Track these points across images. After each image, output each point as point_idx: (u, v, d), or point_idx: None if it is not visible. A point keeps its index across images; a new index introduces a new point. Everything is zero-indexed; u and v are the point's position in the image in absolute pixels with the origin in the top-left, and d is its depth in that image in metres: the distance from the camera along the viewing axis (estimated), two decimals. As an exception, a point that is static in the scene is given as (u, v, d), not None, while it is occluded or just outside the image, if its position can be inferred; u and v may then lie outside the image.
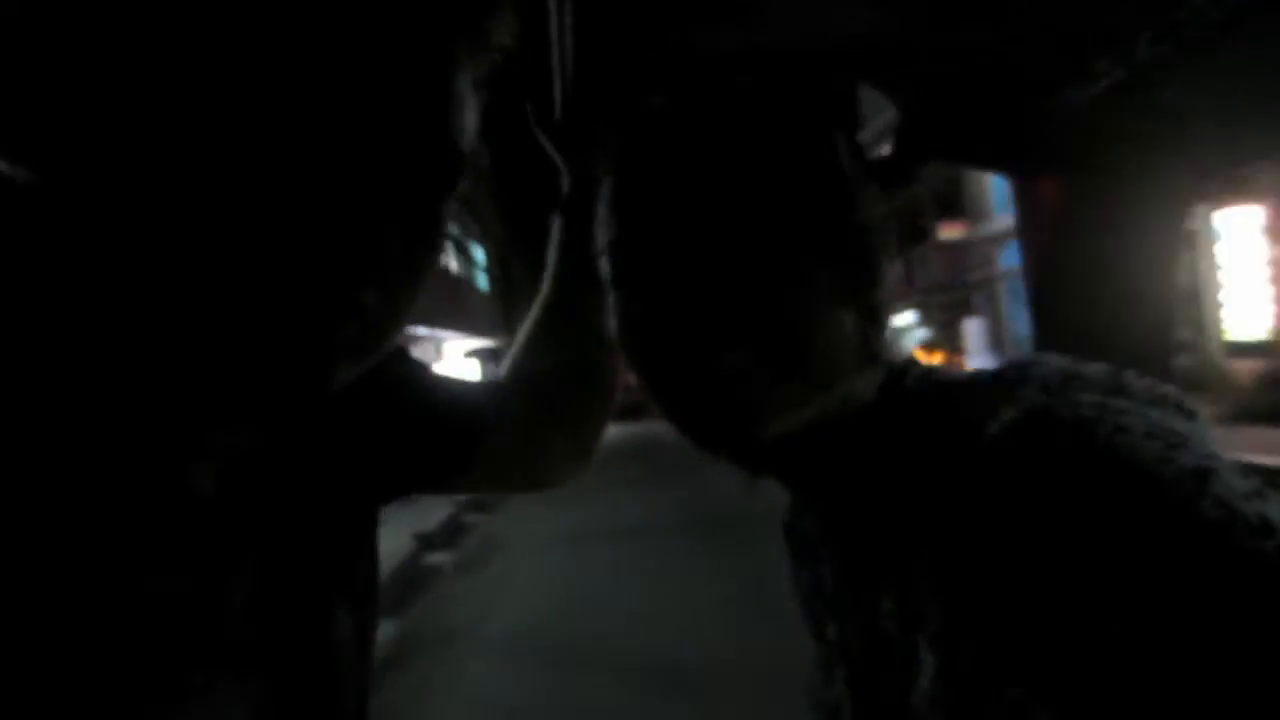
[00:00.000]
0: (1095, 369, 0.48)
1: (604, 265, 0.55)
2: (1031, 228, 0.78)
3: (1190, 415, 0.46)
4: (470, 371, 15.69)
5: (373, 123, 0.40)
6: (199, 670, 0.42)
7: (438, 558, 6.96)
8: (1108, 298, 0.66)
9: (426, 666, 4.39)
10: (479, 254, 20.96)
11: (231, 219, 0.38)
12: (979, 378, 0.52)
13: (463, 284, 17.54)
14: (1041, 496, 0.41)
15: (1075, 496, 0.40)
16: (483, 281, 21.55)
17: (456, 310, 15.29)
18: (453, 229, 15.81)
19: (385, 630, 4.91)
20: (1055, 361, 0.49)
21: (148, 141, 0.37)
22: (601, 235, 0.55)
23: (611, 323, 0.56)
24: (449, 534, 7.82)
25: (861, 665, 0.54)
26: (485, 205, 20.52)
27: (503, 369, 0.79)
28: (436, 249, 0.47)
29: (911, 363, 0.56)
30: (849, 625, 0.56)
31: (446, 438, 0.66)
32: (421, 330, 12.51)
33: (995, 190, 13.75)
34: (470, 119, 0.46)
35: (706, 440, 0.53)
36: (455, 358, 17.35)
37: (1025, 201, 0.80)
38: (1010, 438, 0.44)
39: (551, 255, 0.78)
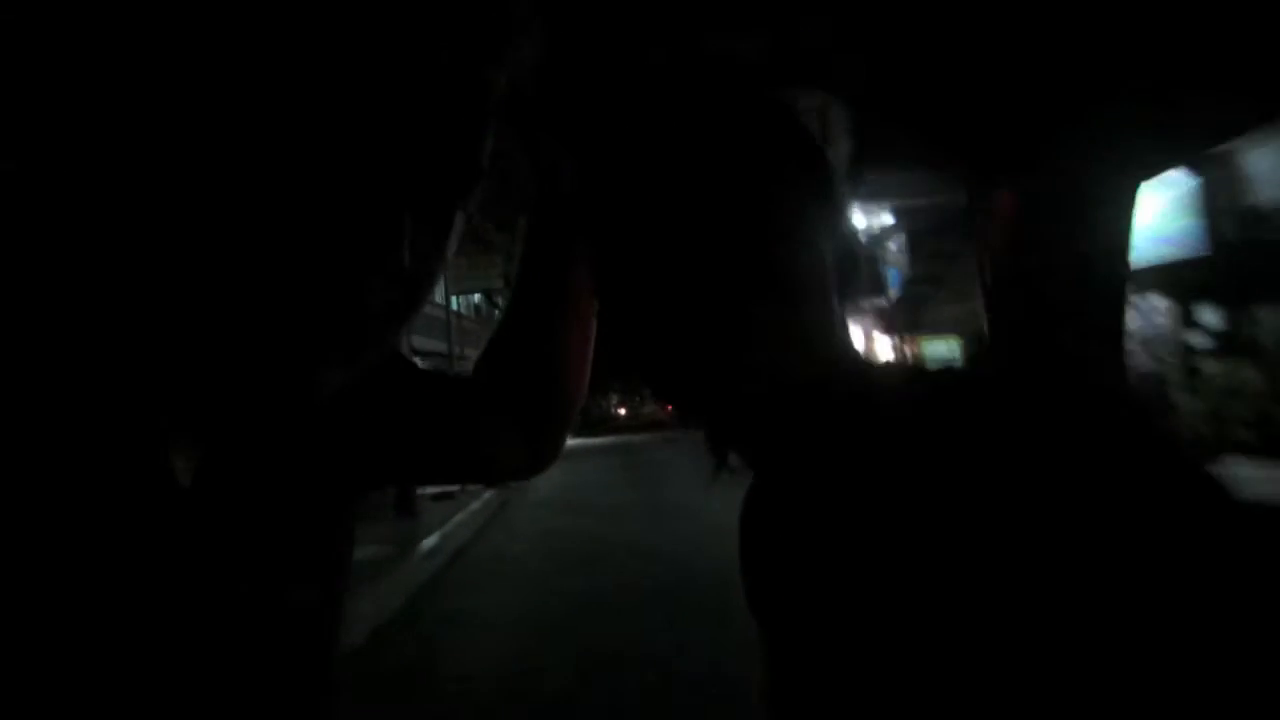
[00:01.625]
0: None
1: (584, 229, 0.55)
2: (989, 231, 0.81)
3: None
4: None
5: (394, 132, 0.41)
6: (178, 652, 0.44)
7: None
8: (1063, 292, 0.65)
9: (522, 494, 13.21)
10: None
11: (245, 213, 0.38)
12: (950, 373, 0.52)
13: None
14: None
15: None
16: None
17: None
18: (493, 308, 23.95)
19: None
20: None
21: (166, 139, 0.37)
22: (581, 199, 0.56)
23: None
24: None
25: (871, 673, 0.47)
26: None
27: (474, 366, 0.78)
28: (443, 258, 0.47)
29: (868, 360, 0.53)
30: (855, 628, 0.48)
31: (430, 433, 0.68)
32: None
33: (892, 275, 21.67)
34: (489, 135, 0.47)
35: (688, 396, 0.52)
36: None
37: (983, 207, 0.83)
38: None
39: (518, 256, 0.77)
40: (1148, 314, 6.09)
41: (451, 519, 8.31)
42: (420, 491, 8.54)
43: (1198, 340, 6.20)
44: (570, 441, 0.79)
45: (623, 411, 38.48)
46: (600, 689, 3.56)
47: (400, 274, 0.44)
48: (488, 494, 10.90)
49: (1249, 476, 4.68)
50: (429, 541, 7.04)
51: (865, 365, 0.53)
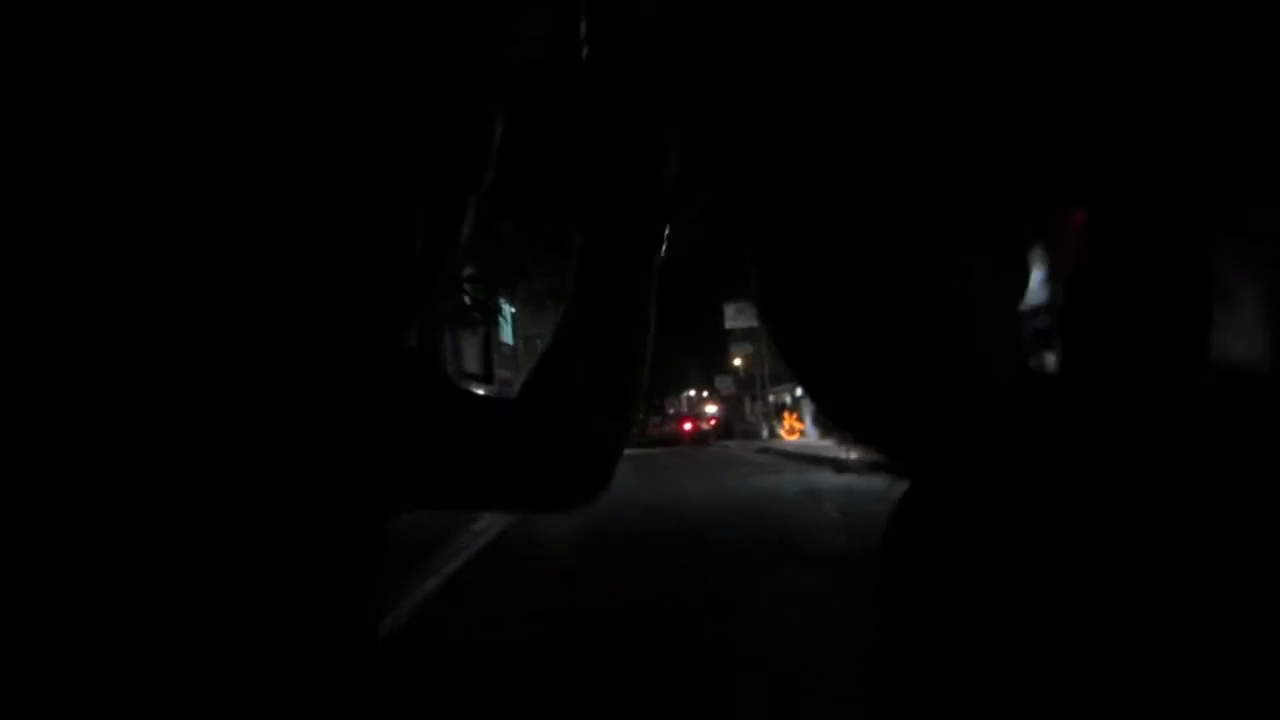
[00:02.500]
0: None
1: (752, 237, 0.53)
2: (1060, 256, 0.69)
3: None
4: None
5: (400, 124, 0.42)
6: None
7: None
8: (1137, 322, 0.58)
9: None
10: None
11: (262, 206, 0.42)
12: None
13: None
14: None
15: None
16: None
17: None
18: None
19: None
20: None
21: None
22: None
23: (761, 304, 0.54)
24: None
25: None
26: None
27: (518, 387, 0.73)
28: (456, 245, 0.48)
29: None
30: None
31: (466, 454, 0.63)
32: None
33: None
34: (496, 125, 0.48)
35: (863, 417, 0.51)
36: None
37: (1054, 230, 0.70)
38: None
39: (572, 275, 0.72)
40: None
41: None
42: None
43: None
44: None
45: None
46: (624, 541, 8.33)
47: (412, 261, 0.46)
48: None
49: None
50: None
51: (1039, 378, 0.51)
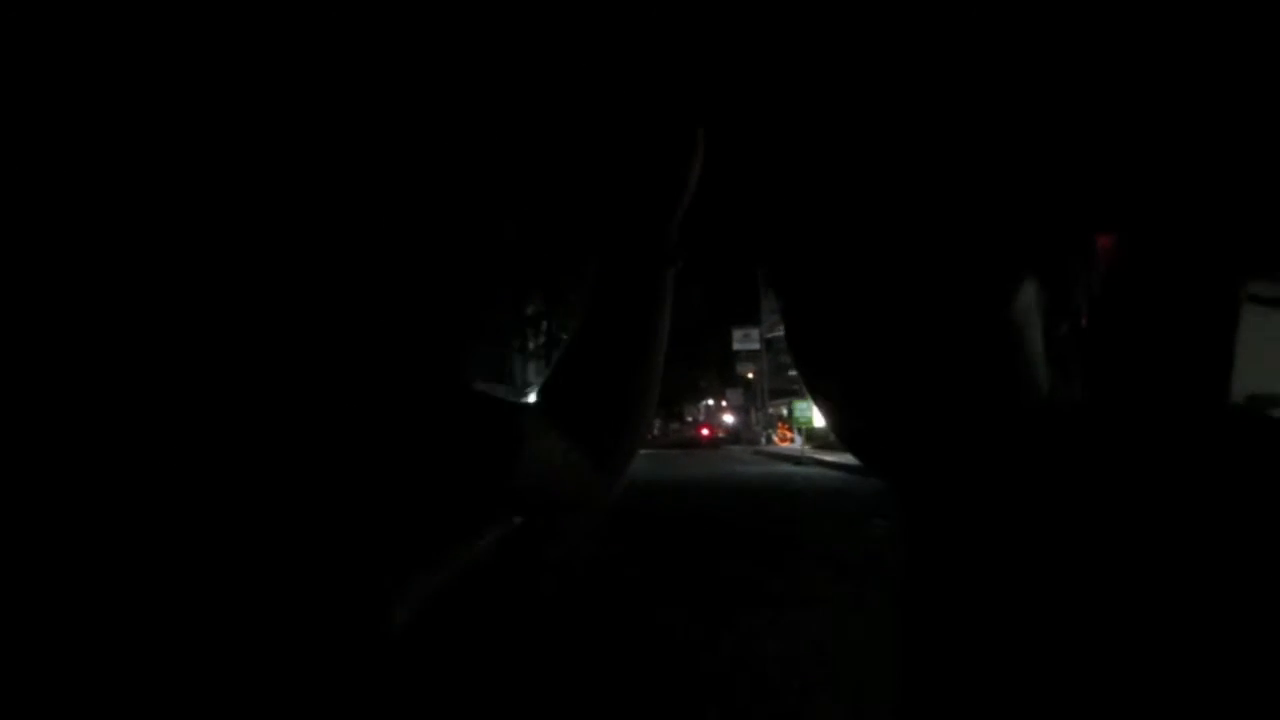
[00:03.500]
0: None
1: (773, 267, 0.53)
2: (1089, 273, 0.62)
3: None
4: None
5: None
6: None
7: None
8: (1162, 354, 0.60)
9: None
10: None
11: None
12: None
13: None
14: None
15: None
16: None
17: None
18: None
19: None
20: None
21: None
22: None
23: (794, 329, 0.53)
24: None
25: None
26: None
27: (536, 394, 0.75)
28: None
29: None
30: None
31: (482, 469, 0.63)
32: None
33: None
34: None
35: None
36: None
37: (1081, 248, 0.64)
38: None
39: (590, 282, 0.73)
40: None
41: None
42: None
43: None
44: None
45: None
46: (653, 493, 14.05)
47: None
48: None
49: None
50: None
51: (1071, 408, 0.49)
